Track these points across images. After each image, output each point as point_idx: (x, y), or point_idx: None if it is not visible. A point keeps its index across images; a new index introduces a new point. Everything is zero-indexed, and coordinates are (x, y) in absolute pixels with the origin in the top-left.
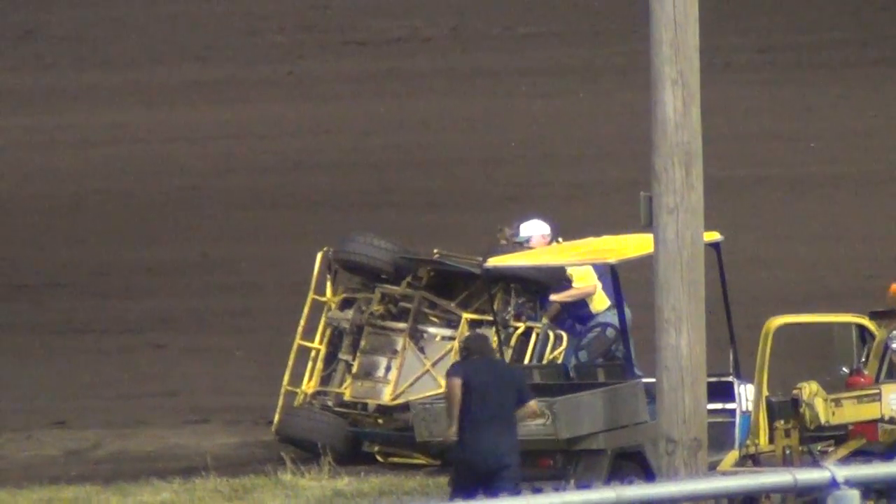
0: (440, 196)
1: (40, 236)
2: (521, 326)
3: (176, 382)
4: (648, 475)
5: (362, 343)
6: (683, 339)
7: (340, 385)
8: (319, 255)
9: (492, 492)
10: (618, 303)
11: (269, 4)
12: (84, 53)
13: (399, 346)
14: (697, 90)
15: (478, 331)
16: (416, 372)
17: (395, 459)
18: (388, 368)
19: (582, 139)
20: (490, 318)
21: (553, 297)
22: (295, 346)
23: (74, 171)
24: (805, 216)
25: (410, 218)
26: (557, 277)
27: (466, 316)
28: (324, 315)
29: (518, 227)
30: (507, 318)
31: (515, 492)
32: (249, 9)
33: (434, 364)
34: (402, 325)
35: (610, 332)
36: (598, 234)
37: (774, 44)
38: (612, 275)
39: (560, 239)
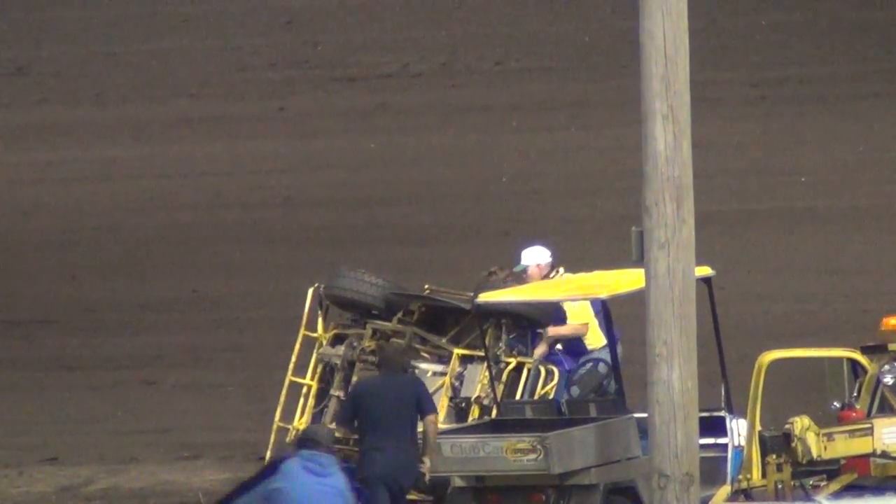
0: (431, 231)
1: (32, 272)
2: (513, 362)
3: (168, 418)
4: None
5: (354, 379)
6: (675, 373)
7: (332, 421)
8: (310, 291)
9: None
10: (609, 338)
11: (259, 40)
12: (75, 89)
13: None
14: (688, 125)
15: (393, 342)
16: None
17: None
18: None
19: (573, 174)
20: (481, 353)
21: (550, 331)
22: (286, 383)
23: (66, 207)
24: (796, 250)
25: (402, 253)
26: (549, 313)
27: (458, 352)
28: (315, 351)
29: (521, 255)
30: (498, 353)
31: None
32: (240, 45)
33: None
34: None
35: (602, 367)
36: (589, 268)
37: (765, 78)
38: (603, 310)
39: (562, 269)
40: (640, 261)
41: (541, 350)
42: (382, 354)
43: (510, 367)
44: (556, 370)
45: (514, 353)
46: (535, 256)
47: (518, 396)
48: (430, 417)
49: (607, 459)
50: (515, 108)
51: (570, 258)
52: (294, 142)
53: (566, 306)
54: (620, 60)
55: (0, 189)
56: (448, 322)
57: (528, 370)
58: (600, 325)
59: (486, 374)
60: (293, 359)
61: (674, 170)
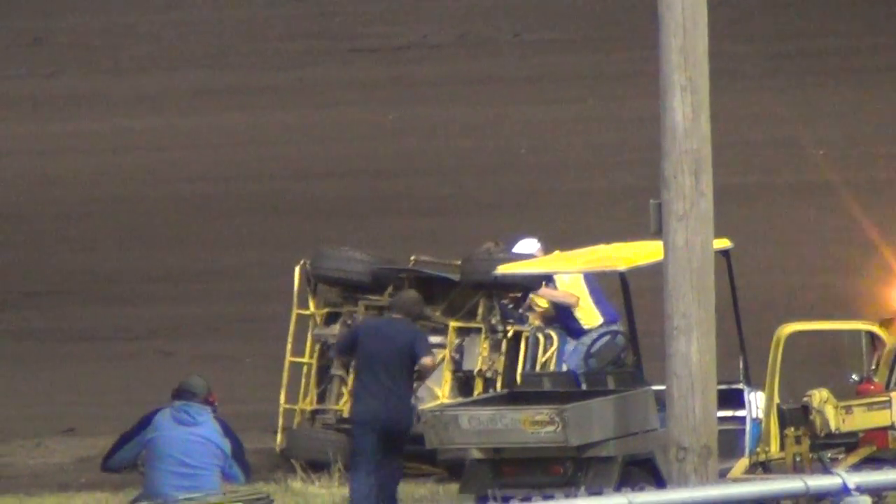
0: (448, 203)
1: (49, 243)
2: (510, 330)
3: None
4: (659, 482)
5: (353, 363)
6: (693, 346)
7: (337, 401)
8: (297, 270)
9: (386, 451)
10: (628, 309)
11: (277, 11)
12: (92, 60)
13: None
14: (707, 97)
15: (412, 292)
16: None
17: None
18: None
19: (590, 146)
20: (476, 324)
21: (541, 291)
22: (287, 365)
23: (83, 178)
24: (815, 223)
25: (418, 225)
26: (539, 280)
27: (454, 324)
28: (310, 330)
29: (511, 245)
30: (493, 323)
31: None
32: (257, 16)
33: None
34: None
35: (620, 339)
36: (607, 241)
37: (784, 51)
38: (621, 282)
39: (557, 252)
40: (658, 233)
41: (535, 321)
42: (397, 298)
43: (507, 336)
44: (554, 335)
45: (511, 321)
46: (527, 249)
47: (520, 365)
48: (424, 360)
49: (625, 432)
50: (532, 79)
51: (587, 230)
52: (311, 113)
53: (557, 279)
54: (638, 32)
55: (18, 160)
56: (437, 294)
57: (526, 339)
58: (599, 304)
59: (485, 344)
60: (290, 340)
61: (692, 142)
